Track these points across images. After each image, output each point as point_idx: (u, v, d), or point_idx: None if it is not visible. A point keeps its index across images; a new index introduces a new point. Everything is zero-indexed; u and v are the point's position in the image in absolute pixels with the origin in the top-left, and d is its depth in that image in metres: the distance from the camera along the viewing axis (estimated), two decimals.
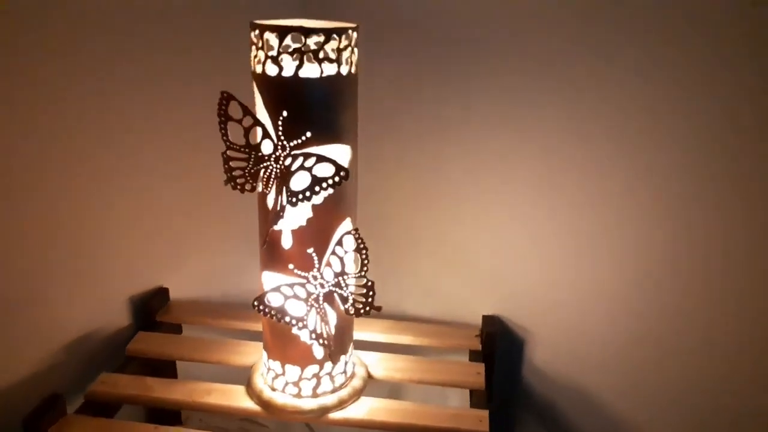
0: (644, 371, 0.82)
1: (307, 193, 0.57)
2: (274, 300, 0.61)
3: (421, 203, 0.86)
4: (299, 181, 0.57)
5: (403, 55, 0.79)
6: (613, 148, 0.75)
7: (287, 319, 0.61)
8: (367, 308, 0.64)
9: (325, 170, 0.57)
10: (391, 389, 0.84)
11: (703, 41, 0.68)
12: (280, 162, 0.58)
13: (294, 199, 0.57)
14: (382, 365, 0.74)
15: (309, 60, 0.55)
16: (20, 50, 0.62)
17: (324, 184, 0.57)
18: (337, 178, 0.57)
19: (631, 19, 0.70)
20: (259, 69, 0.57)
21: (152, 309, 0.84)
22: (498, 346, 0.82)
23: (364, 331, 0.81)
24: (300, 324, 0.61)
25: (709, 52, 0.68)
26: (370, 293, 0.64)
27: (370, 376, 0.73)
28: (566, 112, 0.75)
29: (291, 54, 0.54)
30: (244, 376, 0.72)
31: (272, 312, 0.61)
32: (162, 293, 0.87)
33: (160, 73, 0.76)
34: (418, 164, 0.84)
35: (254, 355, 0.75)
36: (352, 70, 0.59)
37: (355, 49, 0.59)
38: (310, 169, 0.57)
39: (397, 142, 0.83)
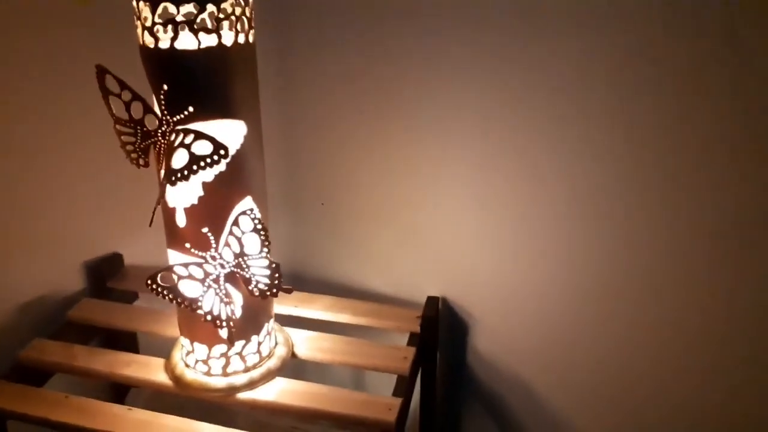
0: (586, 370, 0.77)
1: (185, 172, 0.54)
2: (167, 279, 0.60)
3: (378, 174, 0.81)
4: (178, 159, 0.54)
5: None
6: (583, 131, 0.69)
7: (179, 299, 0.60)
8: (274, 290, 0.61)
9: (203, 148, 0.54)
10: (324, 370, 0.81)
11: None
12: (167, 137, 0.55)
13: (173, 178, 0.54)
14: (308, 344, 0.72)
15: (184, 30, 0.52)
16: None
17: (202, 163, 0.54)
18: (216, 157, 0.54)
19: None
20: (141, 41, 0.54)
21: (104, 275, 0.85)
22: (442, 330, 0.78)
23: (304, 307, 0.79)
24: (193, 305, 0.60)
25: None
26: (275, 275, 0.61)
27: (294, 356, 0.71)
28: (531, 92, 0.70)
29: (164, 25, 0.51)
30: None
31: (165, 292, 0.60)
32: (116, 259, 0.87)
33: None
34: (378, 132, 0.80)
35: None
36: (240, 40, 0.55)
37: (245, 18, 0.55)
38: (188, 147, 0.54)
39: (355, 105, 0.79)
